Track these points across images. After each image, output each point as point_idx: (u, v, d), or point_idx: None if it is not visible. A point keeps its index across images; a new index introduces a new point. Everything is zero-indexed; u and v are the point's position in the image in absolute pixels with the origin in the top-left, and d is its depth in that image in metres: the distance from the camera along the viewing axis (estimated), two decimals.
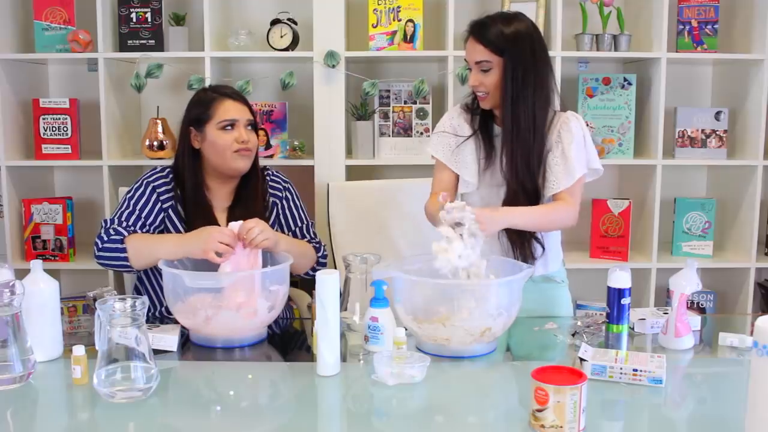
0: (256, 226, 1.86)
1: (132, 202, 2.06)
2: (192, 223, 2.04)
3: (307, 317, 2.21)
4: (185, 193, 2.09)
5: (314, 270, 2.13)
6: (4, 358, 1.48)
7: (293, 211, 2.20)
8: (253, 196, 2.13)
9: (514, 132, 1.90)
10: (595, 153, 1.99)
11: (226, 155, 2.06)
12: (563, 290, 2.13)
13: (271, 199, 2.18)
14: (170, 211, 2.08)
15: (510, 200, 1.94)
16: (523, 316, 1.80)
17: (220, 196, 2.13)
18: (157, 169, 2.14)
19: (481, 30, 1.90)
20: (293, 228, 2.17)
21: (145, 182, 2.10)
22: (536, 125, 1.91)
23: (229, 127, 2.06)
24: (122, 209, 2.05)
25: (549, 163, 1.94)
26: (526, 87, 1.88)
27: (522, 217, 1.85)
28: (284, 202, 2.19)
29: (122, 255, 1.95)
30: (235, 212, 2.09)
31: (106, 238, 1.98)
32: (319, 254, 2.16)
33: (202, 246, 1.83)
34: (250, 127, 2.11)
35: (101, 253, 1.97)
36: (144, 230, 2.03)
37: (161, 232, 2.07)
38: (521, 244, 1.95)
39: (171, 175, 2.12)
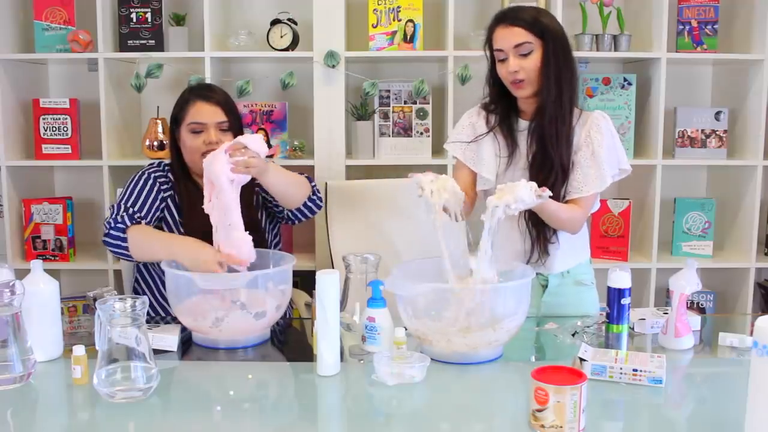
0: (243, 155, 1.82)
1: (137, 190, 2.09)
2: (187, 212, 2.09)
3: (306, 317, 2.21)
4: (180, 184, 2.13)
5: (311, 201, 2.16)
6: (4, 358, 1.48)
7: None
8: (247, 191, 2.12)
9: (557, 111, 1.87)
10: (624, 152, 1.98)
11: (195, 158, 2.08)
12: (591, 292, 2.11)
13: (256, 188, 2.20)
14: (168, 200, 2.13)
15: (548, 181, 1.88)
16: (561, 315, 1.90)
17: None
18: (154, 163, 2.20)
19: (514, 14, 1.88)
20: None
21: (146, 173, 2.15)
22: (572, 105, 1.90)
23: (198, 130, 2.08)
24: (126, 197, 2.08)
25: (579, 163, 1.91)
26: (567, 65, 1.87)
27: (550, 202, 1.79)
28: None
29: (124, 245, 1.97)
30: None
31: (113, 224, 1.99)
32: (312, 184, 2.18)
33: (192, 266, 1.82)
34: (225, 129, 2.09)
35: (106, 239, 1.99)
36: (148, 216, 2.05)
37: (161, 219, 2.12)
38: (539, 231, 1.93)
39: (166, 168, 2.18)
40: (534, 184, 1.66)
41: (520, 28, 1.85)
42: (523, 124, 1.98)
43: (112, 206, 2.08)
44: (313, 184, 2.20)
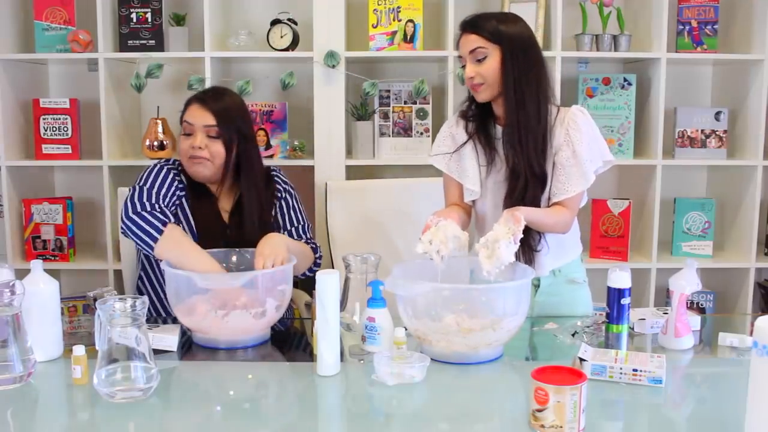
0: (266, 261, 1.83)
1: (158, 181, 2.05)
2: (198, 215, 2.09)
3: (306, 317, 2.21)
4: (191, 188, 2.12)
5: (311, 271, 2.15)
6: (4, 358, 1.48)
7: (290, 212, 2.20)
8: (256, 202, 2.11)
9: (521, 116, 1.87)
10: (605, 144, 1.97)
11: (184, 160, 2.08)
12: (584, 290, 2.12)
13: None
14: (183, 199, 2.10)
15: (519, 188, 1.90)
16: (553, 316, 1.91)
17: (220, 195, 2.15)
18: (170, 160, 2.17)
19: (472, 22, 1.92)
20: (289, 228, 2.17)
21: (163, 166, 2.12)
22: (540, 111, 1.89)
23: (188, 132, 2.07)
24: (147, 184, 2.03)
25: (561, 164, 1.91)
26: (529, 70, 1.88)
27: (533, 214, 1.82)
28: (283, 202, 2.20)
29: (154, 235, 1.89)
30: (235, 218, 2.12)
31: (139, 207, 1.93)
32: (316, 255, 2.17)
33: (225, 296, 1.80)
34: (214, 136, 2.04)
35: (134, 218, 1.91)
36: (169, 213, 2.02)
37: (174, 215, 2.07)
38: (523, 241, 1.92)
39: (180, 168, 2.15)
40: (512, 234, 1.68)
41: (475, 35, 1.89)
42: (500, 131, 1.97)
43: (132, 188, 2.01)
44: (316, 255, 2.16)
